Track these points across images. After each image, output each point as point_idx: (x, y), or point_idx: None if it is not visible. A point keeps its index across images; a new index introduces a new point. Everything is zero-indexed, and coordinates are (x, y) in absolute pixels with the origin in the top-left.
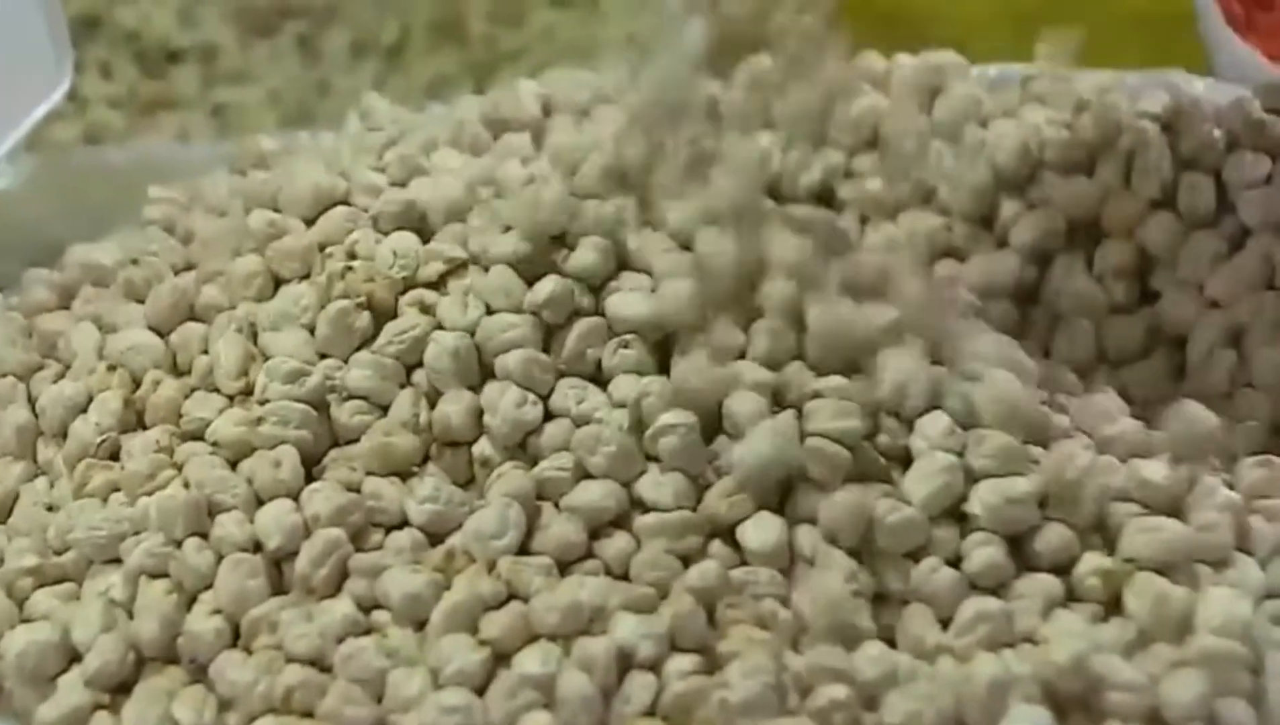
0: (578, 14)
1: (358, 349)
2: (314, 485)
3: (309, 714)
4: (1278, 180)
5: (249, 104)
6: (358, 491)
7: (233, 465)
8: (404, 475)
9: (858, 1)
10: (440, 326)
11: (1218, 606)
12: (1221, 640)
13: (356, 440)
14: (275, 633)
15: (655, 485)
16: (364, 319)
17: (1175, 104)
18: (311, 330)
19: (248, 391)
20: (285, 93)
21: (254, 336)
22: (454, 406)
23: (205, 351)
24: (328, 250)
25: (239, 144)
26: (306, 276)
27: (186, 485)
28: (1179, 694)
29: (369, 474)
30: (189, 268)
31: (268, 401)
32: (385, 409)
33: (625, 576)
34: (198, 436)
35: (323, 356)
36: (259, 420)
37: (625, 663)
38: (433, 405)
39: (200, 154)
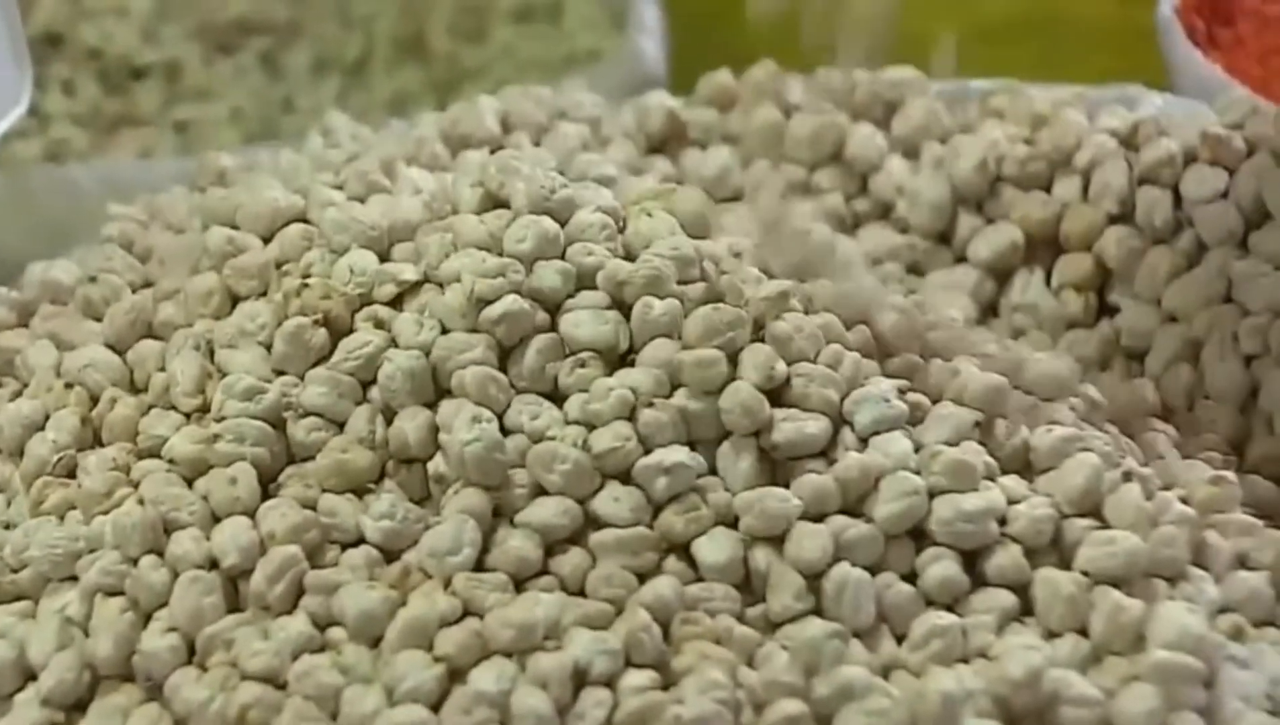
0: (539, 31)
1: (314, 366)
2: (270, 502)
3: None
4: (1234, 194)
5: (212, 121)
6: (314, 508)
7: (189, 483)
8: (360, 492)
9: (821, 16)
10: (395, 344)
11: (1171, 621)
12: (1175, 655)
13: (313, 457)
14: (230, 650)
15: (611, 501)
16: (320, 336)
17: (1134, 119)
18: (268, 347)
19: (204, 409)
20: (248, 109)
21: (211, 354)
22: (410, 424)
23: (162, 369)
24: (284, 267)
25: (199, 161)
26: (264, 294)
27: (142, 503)
28: (1132, 708)
29: (325, 491)
30: (147, 285)
31: (224, 418)
32: (341, 426)
33: (581, 593)
34: (154, 454)
35: (279, 373)
36: (215, 437)
37: (580, 679)
38: (389, 422)
39: (163, 171)
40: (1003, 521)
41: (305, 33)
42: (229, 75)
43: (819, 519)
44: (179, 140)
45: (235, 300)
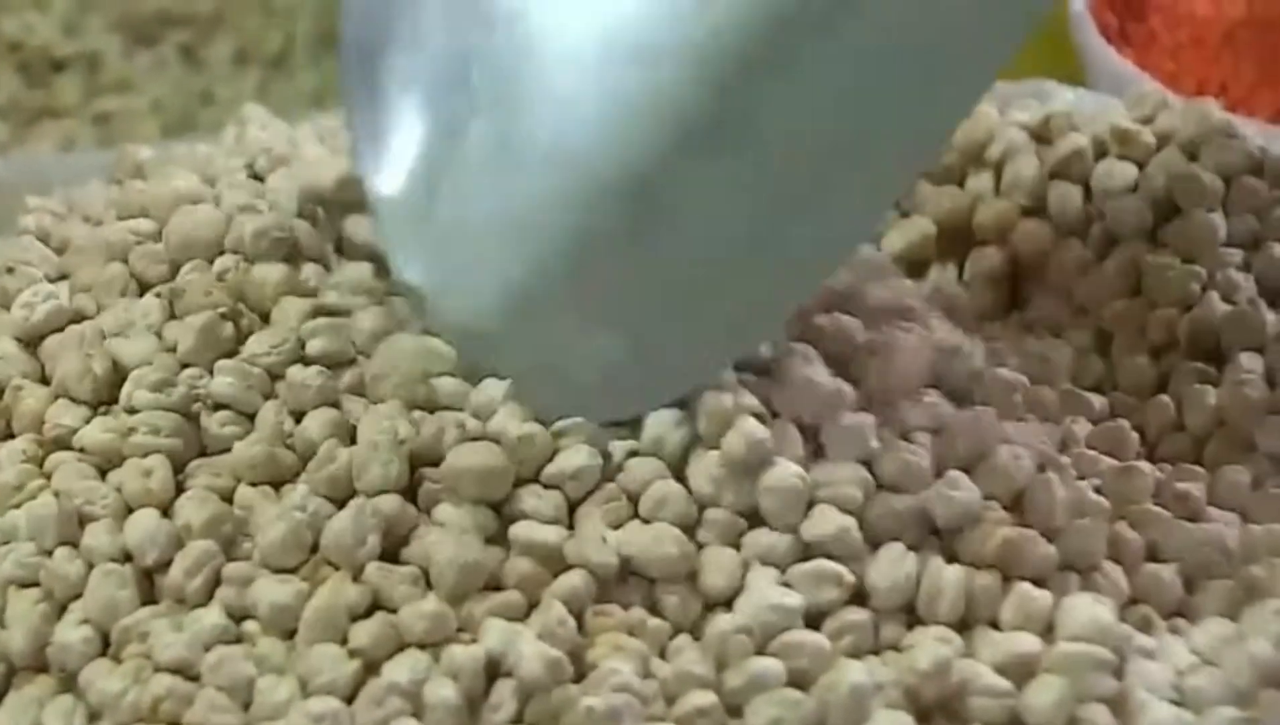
0: None
1: (223, 358)
2: (187, 494)
3: (177, 723)
4: (1144, 188)
5: (132, 113)
6: (229, 500)
7: (102, 474)
8: (277, 485)
9: None
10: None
11: (1079, 612)
12: (1082, 645)
13: (227, 449)
14: (145, 642)
15: (534, 497)
16: (228, 329)
17: (1044, 113)
18: (158, 336)
19: (112, 401)
20: (168, 101)
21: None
22: (316, 422)
23: (74, 360)
24: (194, 260)
25: (117, 154)
26: (168, 282)
27: (58, 494)
28: (1040, 699)
29: (239, 483)
30: (63, 277)
31: (136, 411)
32: (252, 418)
33: (496, 587)
34: (64, 445)
35: (185, 366)
36: (130, 430)
37: (494, 670)
38: (297, 419)
39: (82, 163)
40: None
41: (226, 25)
42: (149, 67)
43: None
44: (100, 132)
45: (144, 291)
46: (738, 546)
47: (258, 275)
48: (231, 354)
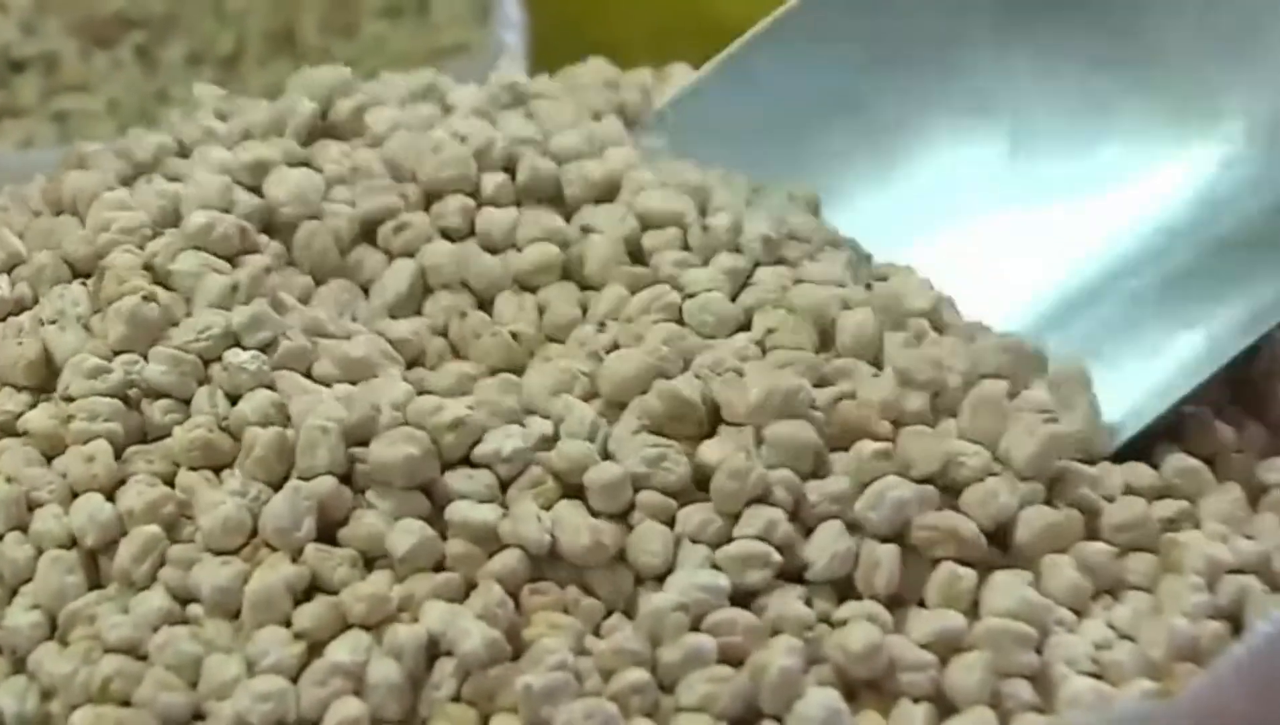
0: (407, 25)
1: (156, 344)
2: (130, 479)
3: (127, 702)
4: None
5: (90, 112)
6: (171, 484)
7: (48, 460)
8: (217, 469)
9: (682, 14)
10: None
11: (1003, 589)
12: (1005, 621)
13: (165, 436)
14: (92, 625)
15: (465, 478)
16: (152, 312)
17: None
18: (88, 326)
19: (49, 388)
20: (125, 101)
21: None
22: (250, 406)
23: (9, 349)
24: (124, 247)
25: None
26: (89, 275)
27: (9, 480)
28: (962, 678)
29: (179, 467)
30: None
31: (73, 398)
32: (188, 404)
33: (436, 568)
34: (9, 432)
35: (118, 352)
36: (69, 417)
37: (435, 650)
38: (232, 402)
39: (41, 160)
40: None
41: (180, 27)
42: (106, 68)
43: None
44: (58, 130)
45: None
46: (671, 524)
47: (181, 261)
48: (161, 339)
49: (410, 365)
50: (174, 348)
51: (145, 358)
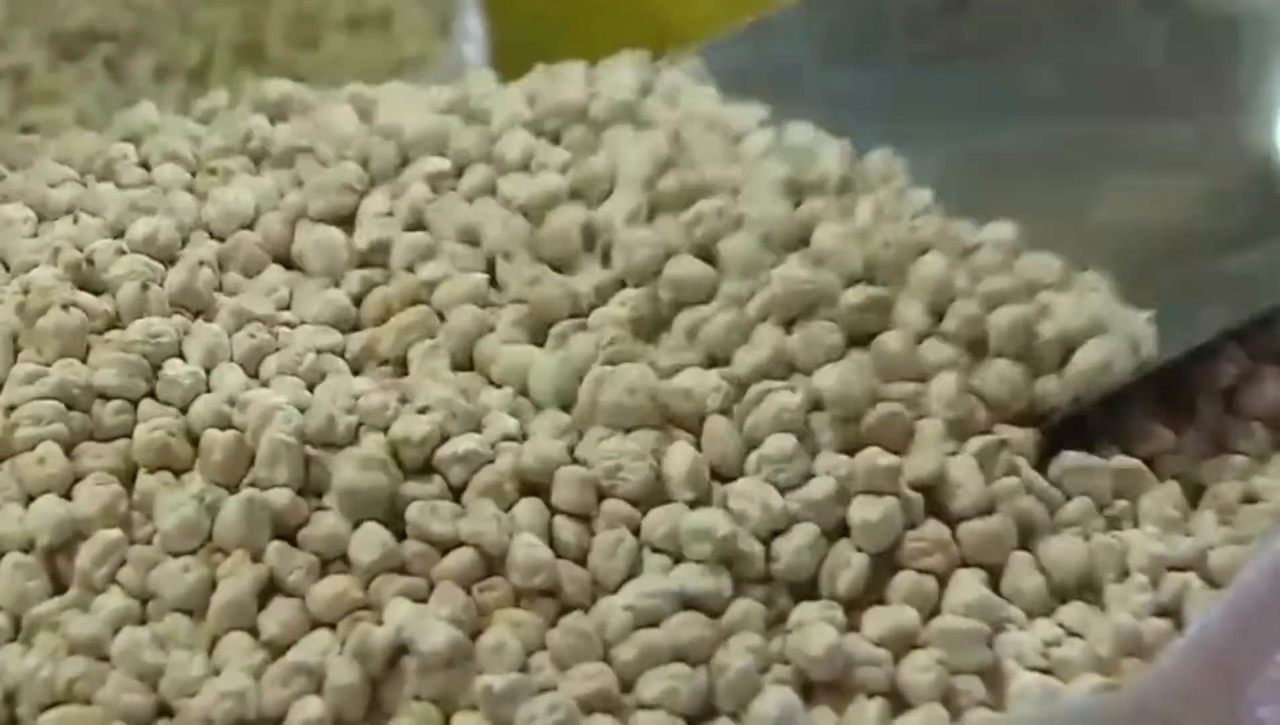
0: (370, 38)
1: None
2: (85, 480)
3: (89, 701)
4: None
5: (59, 122)
6: (124, 481)
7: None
8: (177, 472)
9: (635, 11)
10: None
11: (960, 588)
12: (959, 619)
13: (116, 438)
14: (55, 630)
15: (422, 481)
16: (75, 320)
17: None
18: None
19: None
20: (93, 112)
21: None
22: (207, 408)
23: None
24: (63, 252)
25: None
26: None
27: None
28: (916, 676)
29: (138, 468)
30: None
31: (15, 406)
32: (136, 404)
33: (399, 569)
34: None
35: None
36: (14, 425)
37: (398, 649)
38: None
39: None
40: None
41: (147, 40)
42: (75, 80)
43: None
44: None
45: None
46: (637, 531)
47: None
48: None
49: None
50: (119, 351)
51: (84, 361)
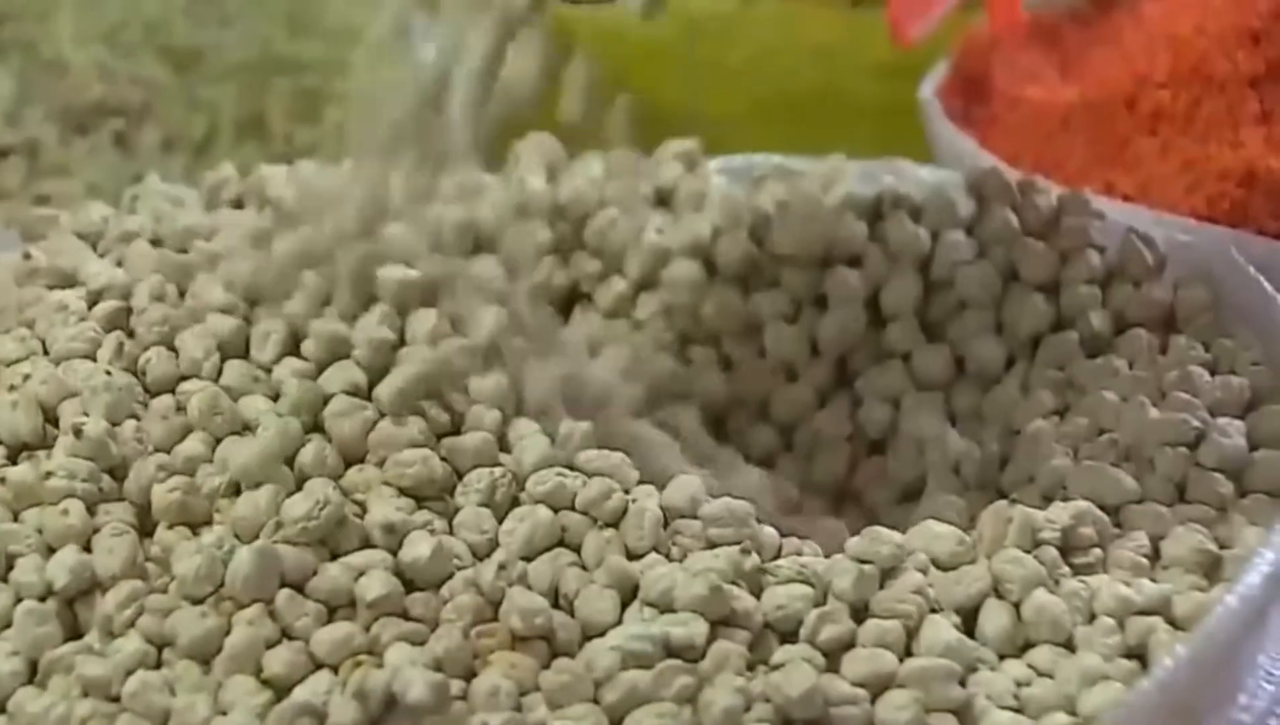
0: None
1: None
2: (105, 536)
3: None
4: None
5: (69, 195)
6: (150, 535)
7: (15, 516)
8: (194, 526)
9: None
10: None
11: (931, 631)
12: (933, 660)
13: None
14: (70, 673)
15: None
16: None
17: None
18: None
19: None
20: (103, 184)
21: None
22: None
23: None
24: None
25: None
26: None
27: None
28: (893, 715)
29: (158, 524)
30: None
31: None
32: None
33: (402, 614)
34: None
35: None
36: (47, 474)
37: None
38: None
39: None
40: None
41: (154, 115)
42: (85, 153)
43: None
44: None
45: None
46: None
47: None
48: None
49: None
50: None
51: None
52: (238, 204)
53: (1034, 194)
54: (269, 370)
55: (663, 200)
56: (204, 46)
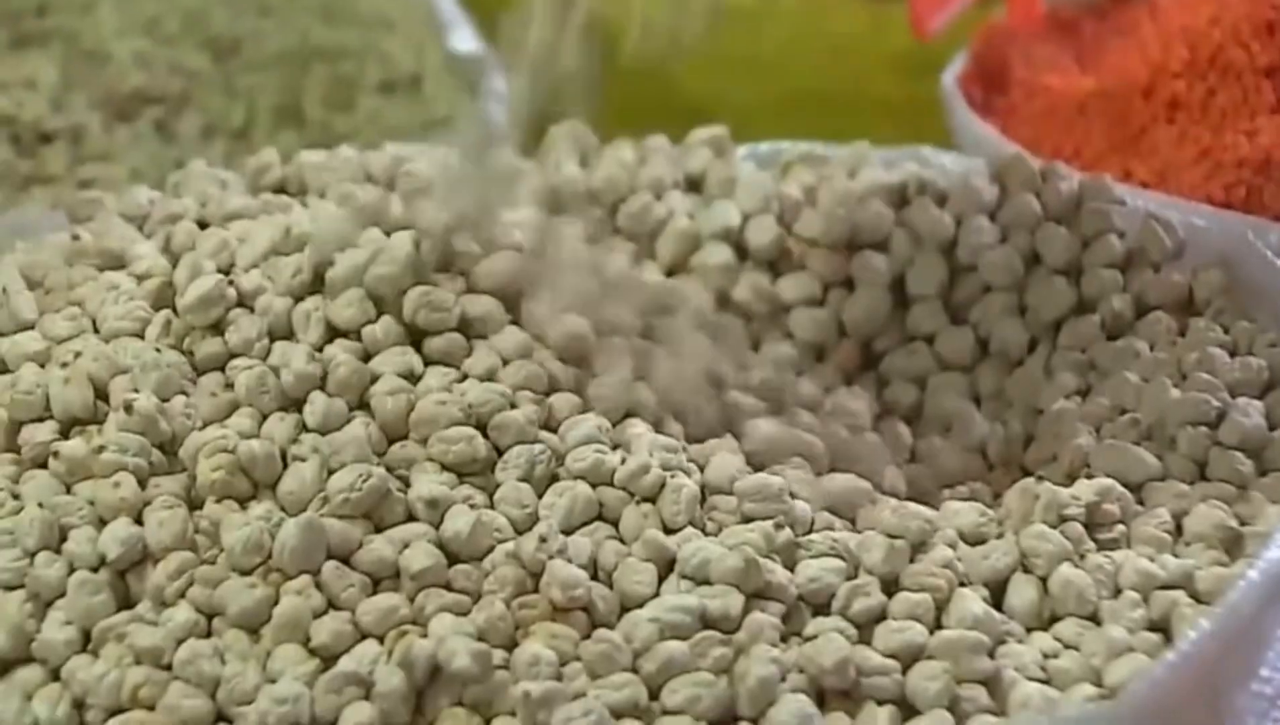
0: (402, 100)
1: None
2: (155, 509)
3: (152, 707)
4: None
5: (112, 180)
6: (200, 507)
7: (68, 488)
8: (242, 500)
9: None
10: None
11: (961, 604)
12: (962, 632)
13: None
14: (123, 642)
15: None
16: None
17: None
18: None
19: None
20: (144, 170)
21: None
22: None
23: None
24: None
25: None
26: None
27: (41, 505)
28: (924, 684)
29: (209, 498)
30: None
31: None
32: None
33: (446, 585)
34: (39, 463)
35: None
36: (100, 448)
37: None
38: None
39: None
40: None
41: (195, 102)
42: (127, 140)
43: None
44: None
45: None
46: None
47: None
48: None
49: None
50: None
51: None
52: (280, 189)
53: (1056, 180)
54: (320, 349)
55: (693, 185)
56: (242, 36)
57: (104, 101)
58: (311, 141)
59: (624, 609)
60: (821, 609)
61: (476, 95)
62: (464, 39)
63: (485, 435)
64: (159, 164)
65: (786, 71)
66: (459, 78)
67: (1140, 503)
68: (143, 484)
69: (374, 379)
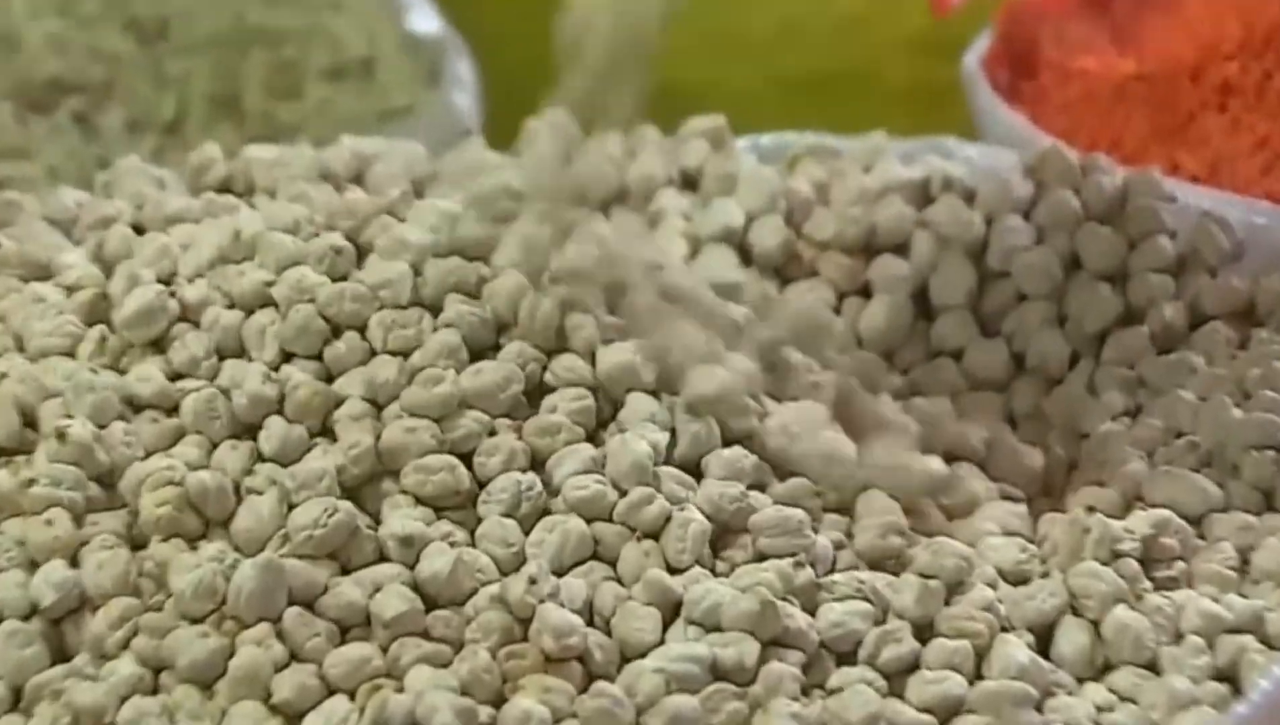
0: (353, 88)
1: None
2: (94, 549)
3: None
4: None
5: (28, 178)
6: (144, 547)
7: None
8: (192, 540)
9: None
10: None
11: (1003, 651)
12: (1006, 683)
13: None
14: (58, 699)
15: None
16: None
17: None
18: None
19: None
20: (63, 167)
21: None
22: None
23: None
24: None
25: None
26: None
27: None
28: None
29: (151, 537)
30: None
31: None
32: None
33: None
34: None
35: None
36: (29, 482)
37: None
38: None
39: None
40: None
41: (119, 92)
42: (43, 134)
43: None
44: None
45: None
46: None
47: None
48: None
49: None
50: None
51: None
52: (224, 188)
53: (1098, 174)
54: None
55: (689, 182)
56: (170, 16)
57: (16, 91)
58: (253, 135)
59: (624, 659)
60: (847, 658)
61: (437, 82)
62: (423, 18)
63: (467, 465)
64: (80, 161)
65: (788, 52)
66: (417, 62)
67: (1201, 536)
68: (79, 521)
69: (338, 403)
